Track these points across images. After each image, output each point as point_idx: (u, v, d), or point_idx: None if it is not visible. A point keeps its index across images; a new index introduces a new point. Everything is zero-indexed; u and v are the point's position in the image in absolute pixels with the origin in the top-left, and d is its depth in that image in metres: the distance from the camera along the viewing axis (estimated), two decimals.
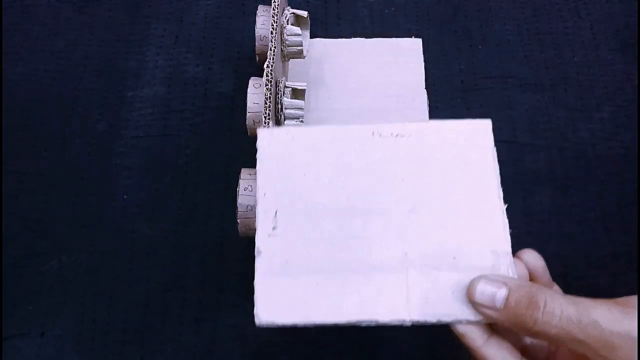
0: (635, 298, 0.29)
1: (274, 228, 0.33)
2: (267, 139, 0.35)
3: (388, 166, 0.34)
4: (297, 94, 0.45)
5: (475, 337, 0.30)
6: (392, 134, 0.34)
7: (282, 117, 0.43)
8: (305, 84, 0.45)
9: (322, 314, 0.31)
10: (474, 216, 0.32)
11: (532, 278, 0.34)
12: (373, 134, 0.34)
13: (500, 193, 0.33)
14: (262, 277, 0.32)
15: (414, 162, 0.34)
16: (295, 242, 0.32)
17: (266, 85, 0.41)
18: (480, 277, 0.30)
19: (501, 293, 0.29)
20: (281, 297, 0.31)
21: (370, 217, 0.33)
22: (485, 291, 0.29)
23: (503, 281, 0.30)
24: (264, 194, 0.33)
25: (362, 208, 0.33)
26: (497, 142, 0.50)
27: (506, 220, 0.33)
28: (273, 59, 0.42)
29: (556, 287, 0.34)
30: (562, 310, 0.28)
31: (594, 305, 0.28)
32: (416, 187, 0.33)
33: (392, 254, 0.32)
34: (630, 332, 0.27)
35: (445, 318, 0.31)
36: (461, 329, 0.30)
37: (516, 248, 0.46)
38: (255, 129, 0.41)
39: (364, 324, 0.31)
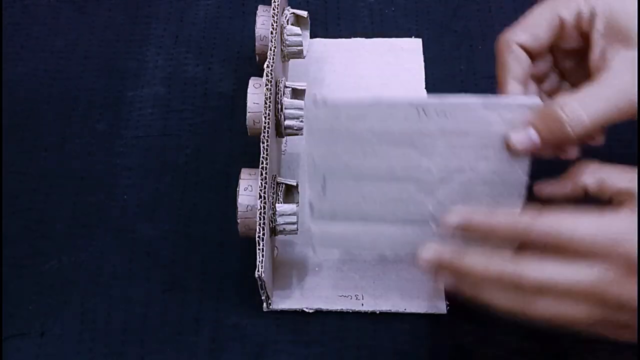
0: None
1: (322, 189, 0.37)
2: (313, 109, 0.36)
3: (429, 141, 0.35)
4: (297, 94, 0.45)
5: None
6: (437, 113, 0.35)
7: (282, 117, 0.43)
8: (305, 84, 0.45)
9: (360, 248, 0.42)
10: (496, 190, 0.36)
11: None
12: (418, 112, 0.35)
13: (526, 173, 0.35)
14: (315, 225, 0.39)
15: (453, 138, 0.35)
16: (340, 201, 0.38)
17: (266, 85, 0.41)
18: (508, 133, 0.34)
19: (532, 132, 0.34)
20: (329, 238, 0.39)
21: (406, 183, 0.36)
22: (521, 138, 0.34)
23: (524, 123, 0.34)
24: (313, 160, 0.37)
25: (399, 176, 0.36)
26: None
27: (523, 192, 0.36)
28: (273, 59, 0.42)
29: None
30: (582, 107, 0.33)
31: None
32: (451, 161, 0.36)
33: (420, 213, 0.37)
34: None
35: None
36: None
37: None
38: (255, 129, 0.41)
39: (390, 256, 0.43)
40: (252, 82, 0.42)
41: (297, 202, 0.42)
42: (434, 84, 0.53)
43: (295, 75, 0.54)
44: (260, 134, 0.40)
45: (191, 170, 0.50)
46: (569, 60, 0.40)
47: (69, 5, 0.58)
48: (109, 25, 0.57)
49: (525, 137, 0.34)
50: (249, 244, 0.40)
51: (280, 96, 0.43)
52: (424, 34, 0.56)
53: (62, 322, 0.44)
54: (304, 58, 0.49)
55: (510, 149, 0.34)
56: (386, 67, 0.54)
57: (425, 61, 0.55)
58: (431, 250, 0.34)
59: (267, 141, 0.40)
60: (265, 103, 0.41)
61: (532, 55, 0.38)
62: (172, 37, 0.56)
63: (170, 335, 0.43)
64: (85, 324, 0.43)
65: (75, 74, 0.54)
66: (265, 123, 0.40)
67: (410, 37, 0.56)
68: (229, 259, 0.46)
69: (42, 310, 0.44)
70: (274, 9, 0.45)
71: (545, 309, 0.30)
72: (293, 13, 0.48)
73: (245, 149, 0.50)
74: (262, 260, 0.38)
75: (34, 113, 0.52)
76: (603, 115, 0.33)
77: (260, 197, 0.39)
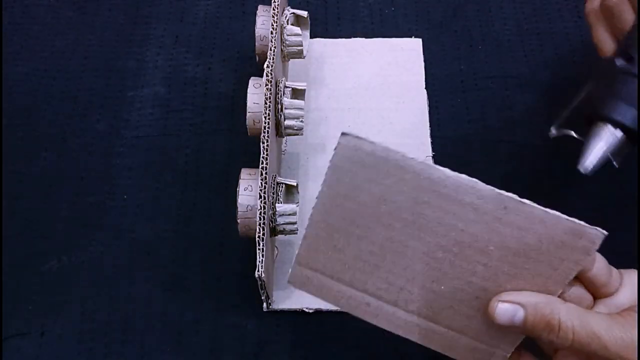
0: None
1: (334, 246, 0.32)
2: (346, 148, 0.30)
3: (460, 237, 0.31)
4: (297, 94, 0.45)
5: None
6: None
7: (282, 117, 0.43)
8: (305, 84, 0.45)
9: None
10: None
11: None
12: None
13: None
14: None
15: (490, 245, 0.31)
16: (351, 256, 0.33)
17: (266, 85, 0.41)
18: (498, 297, 0.32)
19: (519, 315, 0.31)
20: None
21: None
22: (507, 312, 0.32)
23: (519, 302, 0.31)
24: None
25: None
26: (497, 142, 0.51)
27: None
28: (273, 59, 0.42)
29: (615, 273, 0.33)
30: (574, 333, 0.30)
31: (599, 319, 0.30)
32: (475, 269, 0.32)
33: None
34: (623, 338, 0.30)
35: None
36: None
37: None
38: (255, 129, 0.41)
39: None
40: (252, 82, 0.42)
41: (297, 202, 0.42)
42: (433, 84, 0.53)
43: (295, 75, 0.54)
44: (260, 134, 0.40)
45: (191, 170, 0.50)
46: None
47: (69, 5, 0.58)
48: (109, 25, 0.57)
49: (511, 312, 0.31)
50: (249, 244, 0.40)
51: (280, 96, 0.43)
52: (424, 34, 0.56)
53: (62, 322, 0.44)
54: (304, 58, 0.49)
55: (488, 313, 0.32)
56: (386, 67, 0.54)
57: (425, 61, 0.55)
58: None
59: (267, 141, 0.40)
60: (265, 103, 0.41)
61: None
62: (172, 37, 0.56)
63: (170, 335, 0.43)
64: (85, 324, 0.43)
65: (75, 74, 0.54)
66: (265, 123, 0.40)
67: (410, 37, 0.56)
68: (229, 259, 0.46)
69: (42, 310, 0.44)
70: (274, 9, 0.45)
71: None
72: (293, 13, 0.48)
73: (245, 149, 0.50)
74: (262, 260, 0.38)
75: (34, 113, 0.52)
76: (589, 346, 0.30)
77: (260, 197, 0.39)
